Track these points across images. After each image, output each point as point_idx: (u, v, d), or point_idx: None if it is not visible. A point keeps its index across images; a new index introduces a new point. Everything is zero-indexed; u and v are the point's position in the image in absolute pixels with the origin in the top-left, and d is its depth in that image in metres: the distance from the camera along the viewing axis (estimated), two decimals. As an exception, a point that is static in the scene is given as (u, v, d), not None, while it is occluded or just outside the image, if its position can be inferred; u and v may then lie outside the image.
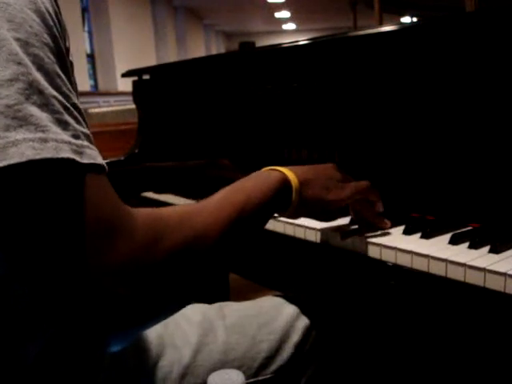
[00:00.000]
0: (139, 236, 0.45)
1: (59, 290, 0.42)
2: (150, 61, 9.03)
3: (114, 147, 2.38)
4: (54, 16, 0.47)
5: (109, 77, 8.08)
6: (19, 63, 0.41)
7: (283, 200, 0.62)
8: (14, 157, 0.39)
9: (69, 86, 0.46)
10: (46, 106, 0.42)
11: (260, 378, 0.72)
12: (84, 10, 7.80)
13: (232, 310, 0.78)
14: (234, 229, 0.53)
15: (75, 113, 0.45)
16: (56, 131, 0.42)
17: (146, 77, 1.57)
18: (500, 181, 0.70)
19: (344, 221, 0.79)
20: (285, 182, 0.62)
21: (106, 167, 0.46)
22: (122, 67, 4.85)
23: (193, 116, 1.41)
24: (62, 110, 0.43)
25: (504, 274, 0.54)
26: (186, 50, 12.20)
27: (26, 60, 0.42)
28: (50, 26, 0.45)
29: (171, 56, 10.59)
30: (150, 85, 1.56)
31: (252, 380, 0.71)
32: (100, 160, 0.45)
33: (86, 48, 7.83)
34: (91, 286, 0.42)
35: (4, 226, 0.41)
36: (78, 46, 6.87)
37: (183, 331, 0.72)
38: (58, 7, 0.49)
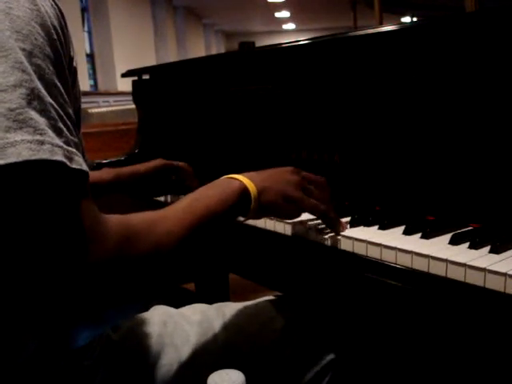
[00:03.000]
0: (111, 241, 0.49)
1: (37, 281, 0.45)
2: (150, 61, 9.03)
3: (114, 147, 2.38)
4: (58, 30, 0.51)
5: (108, 77, 8.07)
6: (23, 71, 0.45)
7: (242, 207, 0.66)
8: (12, 156, 0.42)
9: (65, 97, 0.50)
10: (44, 111, 0.45)
11: (261, 378, 0.72)
12: (84, 10, 7.80)
13: (232, 310, 0.78)
14: (194, 235, 0.58)
15: (68, 122, 0.49)
16: (52, 136, 0.45)
17: (145, 77, 1.57)
18: (500, 181, 0.70)
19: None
20: (244, 190, 0.65)
21: (89, 174, 0.50)
22: (121, 67, 4.85)
23: (193, 116, 1.41)
24: (57, 117, 0.47)
25: (504, 275, 0.54)
26: (185, 50, 12.20)
27: (30, 69, 0.45)
28: (53, 40, 0.49)
29: (171, 56, 10.58)
30: (150, 85, 1.56)
31: (253, 381, 0.71)
32: (85, 167, 0.48)
33: (86, 48, 7.82)
34: (65, 281, 0.46)
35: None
36: (78, 45, 6.86)
37: (183, 331, 0.72)
38: (64, 20, 0.53)
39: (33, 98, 0.45)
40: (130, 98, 1.62)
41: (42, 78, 0.46)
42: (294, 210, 0.72)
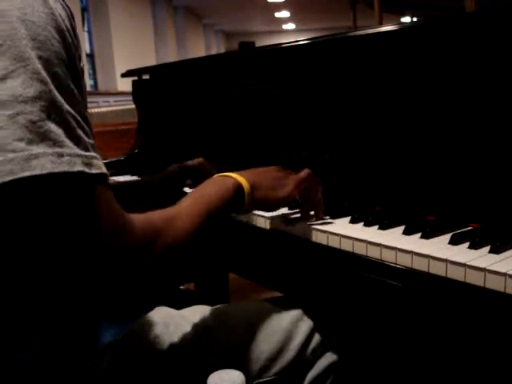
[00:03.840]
0: (138, 238, 0.52)
1: (72, 282, 0.49)
2: (150, 60, 9.02)
3: (114, 147, 2.38)
4: (71, 32, 0.52)
5: (108, 77, 8.07)
6: (41, 81, 0.46)
7: (237, 202, 0.70)
8: (36, 168, 0.44)
9: (79, 99, 0.51)
10: (62, 122, 0.47)
11: (262, 379, 0.72)
12: (84, 10, 7.79)
13: (233, 312, 0.78)
14: (201, 230, 0.62)
15: (85, 126, 0.50)
16: (70, 146, 0.47)
17: (145, 77, 1.57)
18: (500, 181, 0.70)
19: (345, 220, 0.79)
20: (238, 187, 0.69)
21: (108, 175, 0.52)
22: (121, 67, 4.85)
23: (192, 116, 1.41)
24: (75, 125, 0.49)
25: (504, 275, 0.54)
26: (185, 50, 12.19)
27: (47, 79, 0.46)
28: (68, 43, 0.50)
29: (171, 56, 10.57)
30: (150, 85, 1.56)
31: (254, 382, 0.71)
32: (104, 169, 0.51)
33: (86, 48, 7.82)
34: (98, 278, 0.49)
35: (18, 232, 0.46)
36: (78, 45, 6.85)
37: (184, 332, 0.72)
38: (74, 21, 0.54)
39: (52, 109, 0.46)
40: (130, 97, 1.62)
41: (58, 86, 0.47)
42: (282, 204, 0.77)
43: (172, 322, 0.73)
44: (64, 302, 0.51)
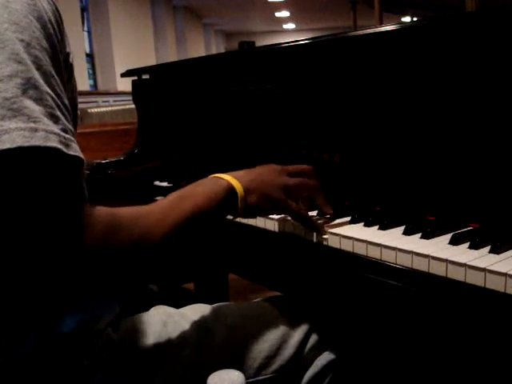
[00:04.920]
0: (97, 230, 0.51)
1: (23, 264, 0.47)
2: (150, 60, 9.02)
3: (114, 147, 2.38)
4: (55, 25, 0.52)
5: (108, 76, 8.06)
6: (19, 62, 0.46)
7: (230, 206, 0.67)
8: (6, 143, 0.44)
9: (61, 88, 0.51)
10: (40, 100, 0.47)
11: (260, 377, 0.72)
12: (83, 10, 7.78)
13: (231, 311, 0.78)
14: (180, 231, 0.59)
15: (65, 111, 0.50)
16: (47, 123, 0.46)
17: (145, 76, 1.57)
18: (500, 181, 0.70)
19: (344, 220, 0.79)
20: (231, 190, 0.67)
21: (85, 163, 0.51)
22: (121, 67, 4.84)
23: (192, 116, 1.41)
24: (54, 105, 0.48)
25: (505, 275, 0.54)
26: (185, 50, 12.19)
27: (27, 59, 0.47)
28: (49, 34, 0.51)
29: (171, 55, 10.57)
30: (150, 84, 1.56)
31: (252, 380, 0.71)
32: (81, 155, 0.49)
33: (86, 47, 7.81)
34: (51, 265, 0.48)
35: None
36: (78, 45, 6.85)
37: (183, 331, 0.72)
38: (60, 17, 0.55)
39: (29, 87, 0.46)
40: (130, 97, 1.61)
41: (39, 68, 0.48)
42: (277, 212, 0.76)
43: (171, 321, 0.73)
44: (27, 287, 0.50)
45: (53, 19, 0.52)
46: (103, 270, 0.52)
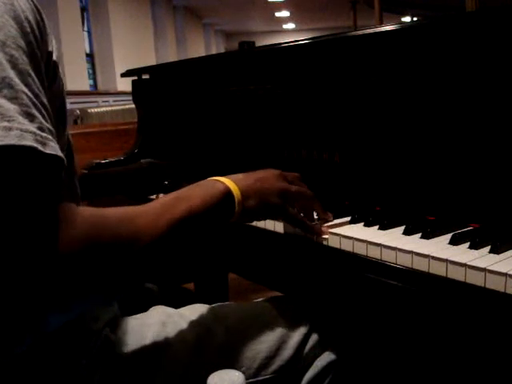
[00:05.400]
0: (80, 231, 0.49)
1: (5, 266, 0.45)
2: (150, 60, 9.02)
3: (114, 147, 2.38)
4: (33, 24, 0.52)
5: (108, 76, 8.07)
6: None
7: (226, 210, 0.66)
8: None
9: (39, 86, 0.50)
10: (15, 99, 0.46)
11: (260, 378, 0.71)
12: (83, 10, 7.78)
13: (231, 310, 0.78)
14: (173, 234, 0.58)
15: (43, 110, 0.49)
16: (22, 122, 0.45)
17: (145, 76, 1.57)
18: (500, 181, 0.70)
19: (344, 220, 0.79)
20: (227, 193, 0.66)
21: (65, 162, 0.50)
22: (121, 67, 4.85)
23: (192, 116, 1.41)
24: (30, 104, 0.47)
25: (505, 275, 0.54)
26: (185, 50, 12.19)
27: (2, 58, 0.46)
28: (26, 33, 0.50)
29: (171, 55, 10.57)
30: (150, 84, 1.56)
31: (252, 380, 0.71)
32: (60, 154, 0.48)
33: (86, 47, 7.81)
34: (33, 267, 0.46)
35: None
36: (77, 45, 6.84)
37: (182, 331, 0.72)
38: (41, 15, 0.54)
39: (3, 86, 0.45)
40: (130, 97, 1.61)
41: (15, 66, 0.47)
42: (274, 217, 0.76)
43: (170, 321, 0.73)
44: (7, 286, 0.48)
45: (31, 17, 0.52)
46: (85, 271, 0.50)
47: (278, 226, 0.83)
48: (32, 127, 0.46)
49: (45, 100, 0.51)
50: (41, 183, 0.46)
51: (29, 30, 0.51)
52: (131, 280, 0.58)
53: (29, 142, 0.45)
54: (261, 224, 0.85)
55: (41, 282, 0.47)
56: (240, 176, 0.70)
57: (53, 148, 0.47)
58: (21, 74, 0.47)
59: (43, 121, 0.48)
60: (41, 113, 0.48)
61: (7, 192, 0.44)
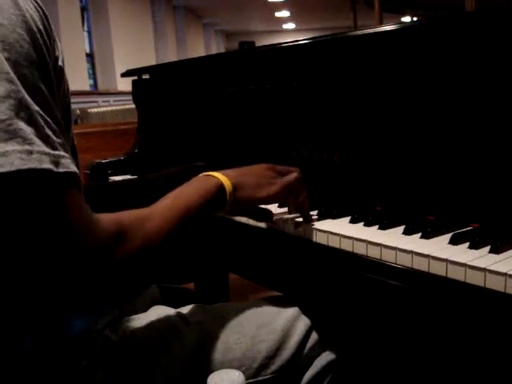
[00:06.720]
0: (103, 238, 0.52)
1: (36, 276, 0.50)
2: (150, 60, 9.02)
3: (114, 147, 2.38)
4: (43, 33, 0.52)
5: (108, 76, 8.06)
6: (10, 81, 0.47)
7: (219, 202, 0.69)
8: (5, 166, 0.45)
9: (50, 101, 0.52)
10: (31, 121, 0.48)
11: (260, 378, 0.72)
12: (83, 10, 7.78)
13: (231, 310, 0.78)
14: (175, 231, 0.62)
15: (53, 126, 0.51)
16: (39, 144, 0.48)
17: (145, 76, 1.57)
18: (500, 181, 0.70)
19: (344, 221, 0.79)
20: (220, 187, 0.69)
21: (78, 173, 0.53)
22: (121, 67, 4.84)
23: (192, 115, 1.41)
24: (43, 124, 0.49)
25: (505, 275, 0.54)
26: (185, 50, 12.19)
27: (16, 79, 0.47)
28: (38, 45, 0.51)
29: (171, 55, 10.57)
30: (150, 84, 1.56)
31: (252, 380, 0.71)
32: (73, 168, 0.51)
33: (86, 47, 7.80)
34: (62, 276, 0.50)
35: None
36: (78, 45, 6.84)
37: (182, 331, 0.72)
38: (48, 21, 0.55)
39: (20, 108, 0.47)
40: (130, 97, 1.62)
41: (27, 86, 0.48)
42: (266, 202, 0.77)
43: (170, 321, 0.73)
44: (32, 294, 0.52)
45: (41, 27, 0.52)
46: (111, 275, 0.54)
47: (277, 226, 0.82)
48: (47, 149, 0.48)
49: (56, 111, 0.53)
50: (55, 198, 0.49)
51: (41, 41, 0.51)
52: (147, 278, 0.62)
53: (47, 164, 0.48)
54: (261, 224, 0.85)
55: (69, 288, 0.51)
56: (232, 170, 0.73)
57: (64, 165, 0.50)
58: (32, 92, 0.49)
59: (54, 138, 0.50)
60: (52, 129, 0.50)
61: (30, 210, 0.48)
